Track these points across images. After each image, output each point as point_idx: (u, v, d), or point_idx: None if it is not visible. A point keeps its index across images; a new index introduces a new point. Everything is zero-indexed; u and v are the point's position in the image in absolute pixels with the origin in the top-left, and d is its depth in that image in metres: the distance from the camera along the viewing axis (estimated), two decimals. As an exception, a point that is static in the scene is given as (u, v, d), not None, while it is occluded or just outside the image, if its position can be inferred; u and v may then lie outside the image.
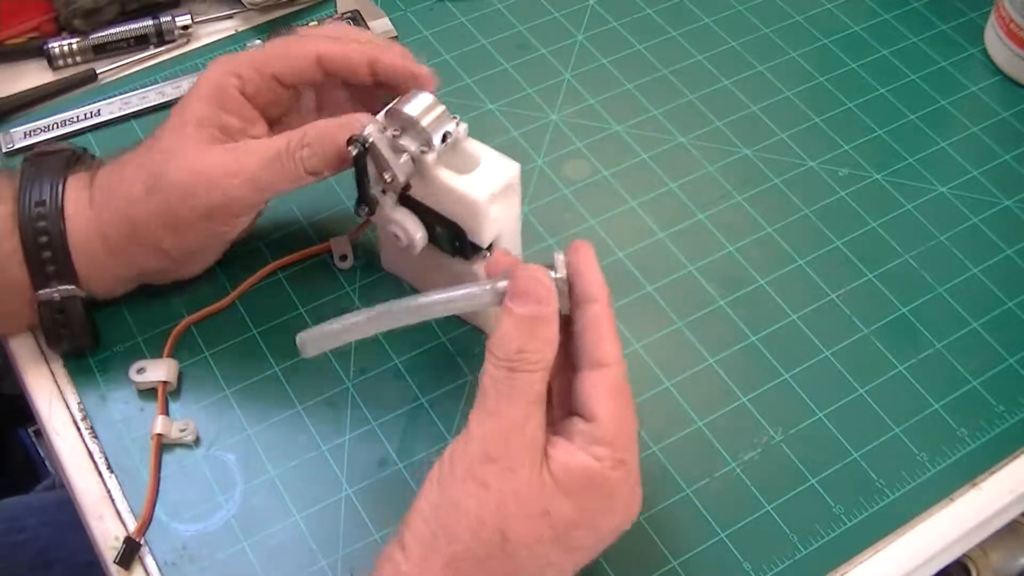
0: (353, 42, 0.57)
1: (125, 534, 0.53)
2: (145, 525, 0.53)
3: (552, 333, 0.46)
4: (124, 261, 0.57)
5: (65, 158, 0.58)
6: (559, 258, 0.49)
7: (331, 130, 0.54)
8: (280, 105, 0.59)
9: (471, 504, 0.44)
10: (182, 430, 0.56)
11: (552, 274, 0.48)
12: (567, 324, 0.48)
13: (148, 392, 0.58)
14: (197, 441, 0.56)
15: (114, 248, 0.56)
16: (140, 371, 0.57)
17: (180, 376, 0.59)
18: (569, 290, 0.48)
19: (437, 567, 0.43)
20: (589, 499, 0.45)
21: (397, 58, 0.57)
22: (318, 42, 0.57)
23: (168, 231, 0.55)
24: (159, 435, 0.56)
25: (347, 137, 0.53)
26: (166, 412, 0.57)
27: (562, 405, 0.49)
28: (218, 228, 0.56)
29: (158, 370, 0.57)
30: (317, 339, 0.51)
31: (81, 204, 0.56)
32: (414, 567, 0.43)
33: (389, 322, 0.50)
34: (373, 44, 0.58)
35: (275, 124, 0.59)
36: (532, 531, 0.44)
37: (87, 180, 0.57)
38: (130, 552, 0.52)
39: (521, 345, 0.45)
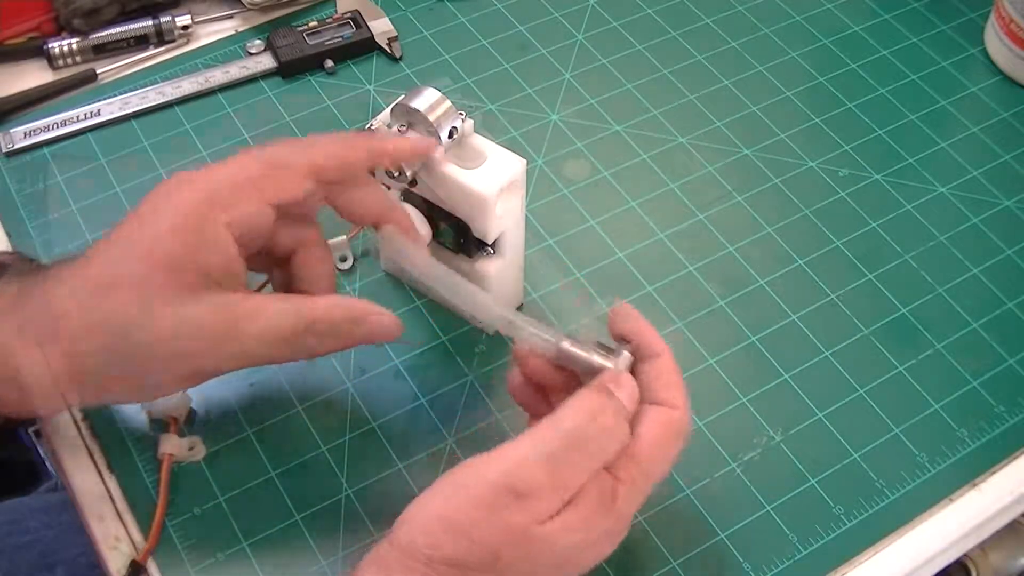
0: (345, 141, 0.51)
1: (126, 535, 0.53)
2: (152, 548, 0.53)
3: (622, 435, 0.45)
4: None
5: None
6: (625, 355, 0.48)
7: (343, 325, 0.49)
8: (280, 237, 0.50)
9: (473, 528, 0.42)
10: (191, 448, 0.56)
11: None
12: None
13: (148, 392, 0.58)
14: (206, 458, 0.56)
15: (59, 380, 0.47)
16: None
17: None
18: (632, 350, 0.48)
19: (419, 564, 0.42)
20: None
21: (402, 143, 0.51)
22: (308, 152, 0.49)
23: (132, 390, 0.49)
24: (169, 455, 0.55)
25: (360, 333, 0.49)
26: (179, 433, 0.56)
27: None
28: (196, 383, 0.50)
29: (169, 401, 0.56)
30: (398, 247, 0.50)
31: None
32: (395, 560, 0.42)
33: (454, 295, 0.50)
34: (368, 136, 0.51)
35: (284, 263, 0.52)
36: (526, 560, 0.43)
37: (11, 299, 0.48)
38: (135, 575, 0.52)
39: (623, 428, 0.45)
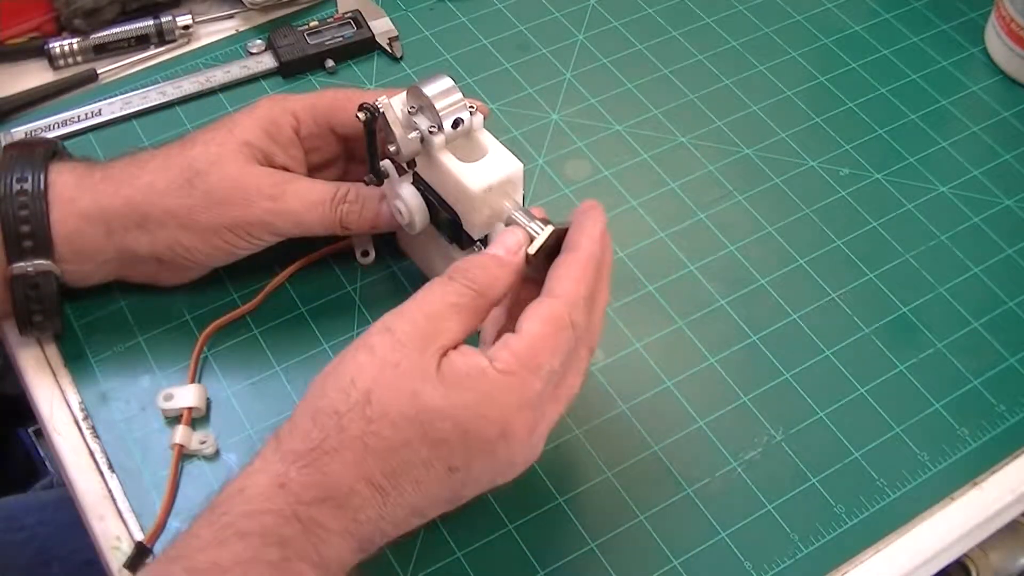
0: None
1: (127, 535, 0.53)
2: (158, 532, 0.53)
3: (501, 275, 0.48)
4: (119, 247, 0.57)
5: (49, 148, 0.58)
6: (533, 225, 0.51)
7: (373, 195, 0.58)
8: (325, 154, 0.61)
9: (350, 365, 0.45)
10: (202, 442, 0.56)
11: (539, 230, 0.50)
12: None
13: (149, 393, 0.58)
14: (216, 454, 0.56)
15: (113, 231, 0.56)
16: (168, 398, 0.56)
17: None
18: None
19: (305, 420, 0.44)
20: (462, 392, 0.44)
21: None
22: (377, 95, 0.56)
23: (182, 229, 0.56)
24: (180, 445, 0.55)
25: (384, 210, 0.58)
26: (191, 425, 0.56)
27: None
28: (233, 241, 0.57)
29: (186, 397, 0.56)
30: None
31: (69, 186, 0.56)
32: (285, 424, 0.45)
33: None
34: None
35: (314, 171, 0.61)
36: (396, 403, 0.43)
37: (81, 167, 0.58)
38: (140, 557, 0.52)
39: (468, 266, 0.48)
